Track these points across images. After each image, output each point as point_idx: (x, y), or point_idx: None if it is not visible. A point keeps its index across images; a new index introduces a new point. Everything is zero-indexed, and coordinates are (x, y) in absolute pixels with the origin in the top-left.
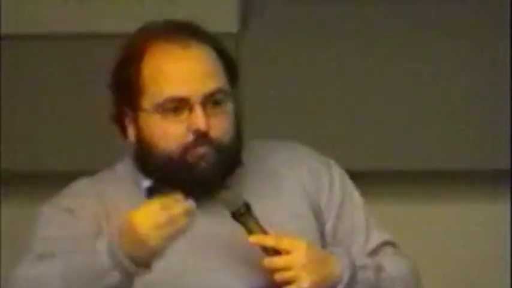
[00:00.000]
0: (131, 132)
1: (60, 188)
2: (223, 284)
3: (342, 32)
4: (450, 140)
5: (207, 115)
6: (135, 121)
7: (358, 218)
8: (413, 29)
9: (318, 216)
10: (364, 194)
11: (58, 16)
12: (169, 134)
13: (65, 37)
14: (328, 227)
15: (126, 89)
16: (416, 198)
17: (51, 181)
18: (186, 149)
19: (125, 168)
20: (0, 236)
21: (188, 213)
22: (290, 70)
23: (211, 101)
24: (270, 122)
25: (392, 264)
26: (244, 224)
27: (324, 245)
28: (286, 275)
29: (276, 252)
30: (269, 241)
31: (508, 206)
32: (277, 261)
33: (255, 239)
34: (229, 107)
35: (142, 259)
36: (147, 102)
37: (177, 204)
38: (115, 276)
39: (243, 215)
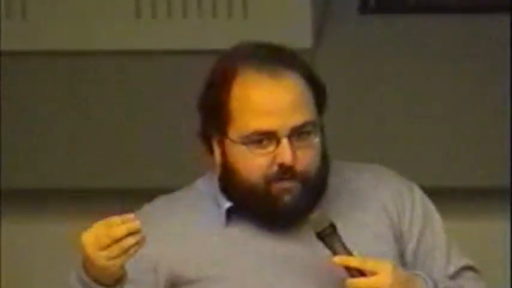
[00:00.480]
0: (217, 154)
1: (61, 204)
2: None
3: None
4: (450, 157)
5: (293, 148)
6: (221, 144)
7: (439, 242)
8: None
9: (399, 239)
10: None
11: (57, 33)
12: (254, 165)
13: (66, 53)
14: (409, 250)
15: (213, 114)
16: None
17: (52, 198)
18: (270, 181)
19: (204, 185)
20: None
21: (133, 234)
22: (365, 85)
23: (298, 133)
24: (348, 140)
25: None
26: (329, 244)
27: (404, 267)
28: None
29: (360, 274)
30: (354, 262)
31: (508, 223)
32: (362, 282)
33: (340, 259)
34: (317, 138)
35: (106, 280)
36: (233, 132)
37: (120, 226)
38: None
39: (328, 235)
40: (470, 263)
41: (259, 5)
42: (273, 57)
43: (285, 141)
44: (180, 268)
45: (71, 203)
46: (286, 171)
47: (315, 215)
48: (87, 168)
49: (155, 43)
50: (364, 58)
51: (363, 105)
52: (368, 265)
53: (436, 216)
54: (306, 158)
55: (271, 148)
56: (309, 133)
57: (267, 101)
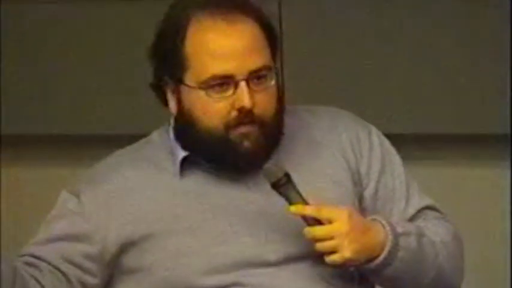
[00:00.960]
0: (172, 103)
1: (62, 150)
2: (256, 251)
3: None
4: (450, 105)
5: (251, 92)
6: (177, 93)
7: (398, 183)
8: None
9: (358, 182)
10: None
11: None
12: (213, 110)
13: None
14: (368, 192)
15: (168, 61)
16: (415, 161)
17: (53, 144)
18: (229, 126)
19: (160, 137)
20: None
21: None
22: (331, 33)
23: (255, 77)
24: (310, 86)
25: (433, 229)
26: (284, 194)
27: (362, 210)
28: (328, 244)
29: (317, 222)
30: (310, 211)
31: (508, 170)
32: (318, 230)
33: (296, 209)
34: (272, 81)
35: None
36: (190, 78)
37: None
38: None
39: (283, 185)
40: (431, 203)
41: None
42: (226, 2)
43: (243, 85)
44: (130, 227)
45: (71, 148)
46: (245, 115)
47: (268, 165)
48: (90, 115)
49: None
50: (332, 6)
51: (331, 55)
52: (323, 213)
53: (396, 158)
54: (263, 102)
55: (229, 93)
56: (265, 77)
57: (223, 46)
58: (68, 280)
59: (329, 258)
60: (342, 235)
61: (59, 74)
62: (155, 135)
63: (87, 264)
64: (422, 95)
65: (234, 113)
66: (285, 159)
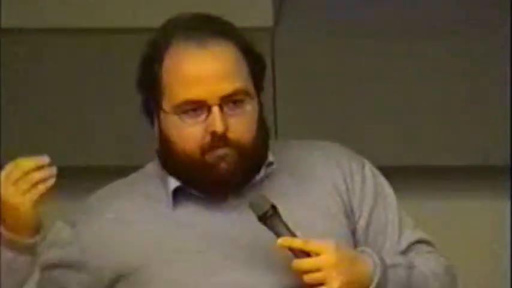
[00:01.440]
0: (156, 128)
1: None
2: (248, 284)
3: (379, 29)
4: (449, 136)
5: (224, 116)
6: (158, 118)
7: (391, 217)
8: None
9: (350, 215)
10: None
11: (61, 10)
12: (187, 135)
13: (66, 31)
14: (360, 225)
15: (149, 87)
16: (414, 193)
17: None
18: (204, 150)
19: (154, 169)
20: None
21: (42, 168)
22: (325, 65)
23: (230, 101)
24: (303, 118)
25: (424, 262)
26: (271, 227)
27: (355, 244)
28: (316, 276)
29: (305, 254)
30: (297, 243)
31: (508, 202)
32: (306, 262)
33: (283, 241)
34: (250, 106)
35: (20, 228)
36: (166, 103)
37: (28, 161)
38: (7, 254)
39: (270, 218)
40: (425, 237)
41: None
42: (203, 26)
43: (215, 110)
44: (124, 258)
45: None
46: (219, 139)
47: (254, 199)
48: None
49: None
50: (324, 36)
51: (325, 89)
52: (310, 246)
53: (389, 192)
54: (239, 126)
55: (202, 117)
56: (241, 101)
57: (195, 70)
58: None
59: None
60: (329, 267)
61: (56, 106)
62: (149, 167)
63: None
64: (420, 127)
65: (207, 137)
66: (276, 194)
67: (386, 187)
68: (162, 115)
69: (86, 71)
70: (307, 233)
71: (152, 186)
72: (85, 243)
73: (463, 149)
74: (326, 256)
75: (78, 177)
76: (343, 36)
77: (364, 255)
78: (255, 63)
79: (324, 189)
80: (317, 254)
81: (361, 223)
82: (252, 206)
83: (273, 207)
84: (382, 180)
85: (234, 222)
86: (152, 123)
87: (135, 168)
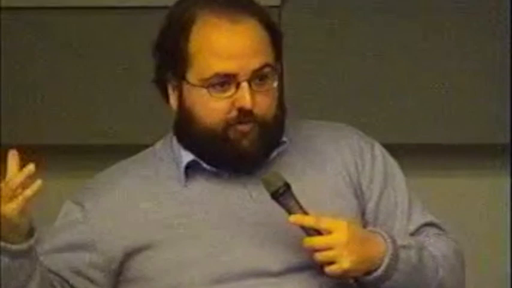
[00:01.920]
0: (173, 99)
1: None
2: (258, 261)
3: (384, 6)
4: (450, 115)
5: (252, 92)
6: (179, 90)
7: (400, 199)
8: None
9: (359, 196)
10: None
11: None
12: (214, 108)
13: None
14: (370, 207)
15: (171, 57)
16: (415, 171)
17: (51, 154)
18: (229, 124)
19: (164, 146)
20: None
21: (30, 177)
22: (331, 43)
23: (257, 76)
24: (309, 95)
25: (434, 244)
26: (283, 204)
27: (364, 224)
28: (327, 254)
29: (316, 232)
30: (309, 221)
31: (508, 180)
32: (317, 240)
33: (295, 218)
34: (275, 83)
35: (13, 236)
36: (193, 76)
37: (17, 175)
38: (3, 259)
39: (282, 195)
40: (434, 219)
41: None
42: (231, 3)
43: (244, 85)
44: (134, 235)
45: (69, 159)
46: (245, 115)
47: (268, 175)
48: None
49: None
50: (330, 14)
51: (332, 63)
52: (322, 223)
53: (398, 173)
54: (264, 102)
55: (230, 92)
56: (267, 77)
57: (227, 45)
58: None
59: (328, 269)
60: (340, 245)
61: (56, 84)
62: (158, 145)
63: (94, 273)
64: (421, 106)
65: (234, 112)
66: (287, 171)
67: (396, 168)
68: (185, 87)
69: (87, 50)
70: (316, 210)
71: (162, 163)
72: (95, 223)
73: (462, 127)
74: (338, 234)
75: (82, 156)
76: (349, 14)
77: (375, 235)
78: (276, 38)
79: (334, 169)
80: (329, 232)
81: (371, 204)
82: (265, 183)
83: (286, 184)
84: (391, 161)
85: (246, 199)
86: (165, 95)
87: (133, 147)
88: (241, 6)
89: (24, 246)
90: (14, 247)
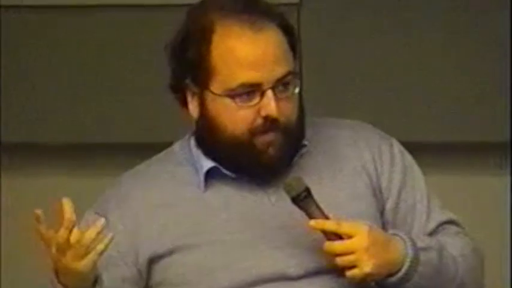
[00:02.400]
0: (193, 107)
1: (63, 159)
2: (278, 266)
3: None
4: (450, 113)
5: (276, 100)
6: (200, 98)
7: (419, 197)
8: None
9: (379, 196)
10: None
11: None
12: (239, 118)
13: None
14: (389, 206)
15: (191, 65)
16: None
17: (53, 152)
18: (254, 133)
19: (183, 150)
20: (0, 208)
21: (101, 231)
22: (350, 40)
23: (281, 84)
24: (328, 93)
25: (453, 243)
26: (304, 209)
27: (383, 224)
28: (348, 259)
29: (337, 236)
30: (330, 226)
31: (508, 178)
32: (338, 245)
33: (316, 223)
34: (296, 88)
35: (82, 285)
36: (217, 85)
37: (89, 232)
38: None
39: (303, 200)
40: (453, 217)
41: None
42: (251, 8)
43: (269, 93)
44: (157, 242)
45: (71, 157)
46: (271, 123)
47: (289, 180)
48: (88, 123)
49: None
50: (349, 12)
51: (348, 61)
52: (343, 228)
53: (417, 171)
54: (287, 109)
55: (255, 100)
56: (289, 84)
57: (251, 53)
58: None
59: (349, 273)
60: (361, 250)
61: (60, 82)
62: (176, 147)
63: (128, 287)
64: (421, 104)
65: (259, 121)
66: (307, 174)
67: (415, 167)
68: (209, 96)
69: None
70: (334, 213)
71: (181, 168)
72: (121, 237)
73: (463, 125)
74: (358, 239)
75: (80, 154)
76: (367, 12)
77: (396, 238)
78: (293, 42)
79: (353, 169)
80: (349, 237)
81: (390, 204)
82: (287, 188)
83: (307, 189)
84: (410, 159)
85: (265, 203)
86: (183, 102)
87: (136, 146)
88: (260, 11)
89: None
90: None
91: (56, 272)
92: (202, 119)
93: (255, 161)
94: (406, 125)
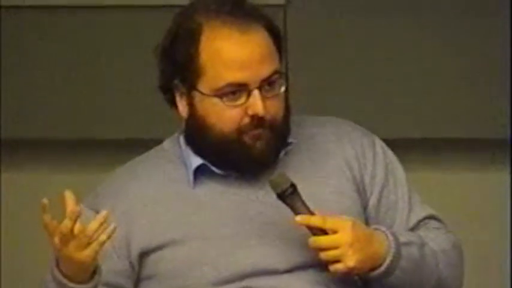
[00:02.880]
0: (182, 107)
1: (62, 155)
2: (266, 260)
3: (389, 4)
4: (449, 109)
5: (263, 99)
6: (188, 98)
7: (401, 194)
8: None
9: (362, 192)
10: None
11: None
12: (227, 117)
13: (66, 8)
14: (372, 202)
15: (180, 66)
16: (415, 165)
17: (53, 148)
18: (242, 131)
19: (173, 147)
20: (0, 204)
21: (104, 222)
22: (336, 40)
23: (267, 83)
24: (314, 93)
25: (434, 238)
26: (290, 205)
27: (366, 219)
28: (333, 253)
29: (322, 231)
30: (315, 221)
31: (508, 175)
32: (323, 240)
33: (301, 219)
34: (282, 87)
35: (82, 276)
36: (205, 85)
37: (92, 223)
38: None
39: (289, 196)
40: (433, 212)
41: None
42: (238, 10)
43: (256, 93)
44: (147, 236)
45: (71, 153)
46: (258, 121)
47: (274, 177)
48: (86, 120)
49: None
50: (335, 13)
51: (334, 61)
52: (328, 224)
53: (399, 168)
54: (274, 108)
55: (242, 100)
56: (275, 83)
57: (238, 54)
58: None
59: (333, 267)
60: (345, 245)
61: (60, 78)
62: (166, 144)
63: (121, 280)
64: (421, 100)
65: (246, 119)
66: (292, 170)
67: (396, 164)
68: (197, 96)
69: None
70: (319, 209)
71: (171, 165)
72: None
73: (462, 121)
74: (343, 234)
75: (79, 150)
76: (353, 12)
77: (378, 233)
78: (279, 41)
79: (337, 166)
80: (334, 232)
81: (373, 199)
82: (272, 184)
83: (293, 185)
84: (392, 156)
85: (253, 199)
86: (172, 102)
87: (135, 141)
88: (247, 13)
89: (90, 285)
90: (84, 287)
91: (57, 261)
92: (191, 118)
93: (244, 156)
94: (403, 123)
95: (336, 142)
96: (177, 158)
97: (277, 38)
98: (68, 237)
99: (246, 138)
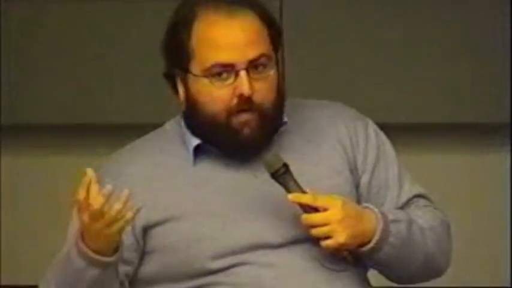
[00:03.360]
0: (181, 91)
1: (62, 140)
2: (261, 235)
3: None
4: (451, 94)
5: (250, 80)
6: (185, 82)
7: (391, 173)
8: None
9: (354, 171)
10: None
11: None
12: (216, 97)
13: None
14: (363, 181)
15: (176, 53)
16: (418, 150)
17: (51, 133)
18: (231, 113)
19: (174, 128)
20: (0, 187)
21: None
22: (331, 30)
23: (254, 65)
24: (310, 84)
25: (422, 216)
26: (283, 183)
27: (358, 197)
28: (323, 230)
29: (313, 209)
30: (306, 199)
31: (508, 159)
32: (314, 217)
33: (293, 197)
34: (272, 71)
35: (107, 251)
36: (195, 67)
37: (116, 204)
38: (94, 271)
39: (282, 175)
40: (422, 191)
41: None
42: (232, 0)
43: (242, 73)
44: (149, 211)
45: (70, 137)
46: (245, 102)
47: (268, 157)
48: (87, 104)
49: None
50: (331, 4)
51: (331, 50)
52: (319, 201)
53: (390, 149)
54: (262, 90)
55: (230, 80)
56: (264, 66)
57: (224, 37)
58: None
59: (324, 243)
60: (336, 222)
61: (61, 64)
62: (168, 125)
63: (130, 255)
64: (422, 85)
65: (234, 100)
66: (286, 151)
67: (388, 145)
68: (190, 78)
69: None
70: (313, 188)
71: (172, 144)
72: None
73: (464, 106)
74: (333, 211)
75: (80, 135)
76: (349, 4)
77: (368, 211)
78: (273, 30)
79: (330, 146)
80: (325, 209)
81: (364, 178)
82: (266, 164)
83: (285, 165)
84: (384, 138)
85: (250, 178)
86: (174, 87)
87: (137, 127)
88: (241, 2)
89: (113, 258)
90: (108, 259)
91: (82, 235)
92: (187, 101)
93: (231, 140)
94: (405, 107)
95: (330, 123)
96: (178, 137)
97: (272, 26)
98: (98, 214)
99: (234, 123)
